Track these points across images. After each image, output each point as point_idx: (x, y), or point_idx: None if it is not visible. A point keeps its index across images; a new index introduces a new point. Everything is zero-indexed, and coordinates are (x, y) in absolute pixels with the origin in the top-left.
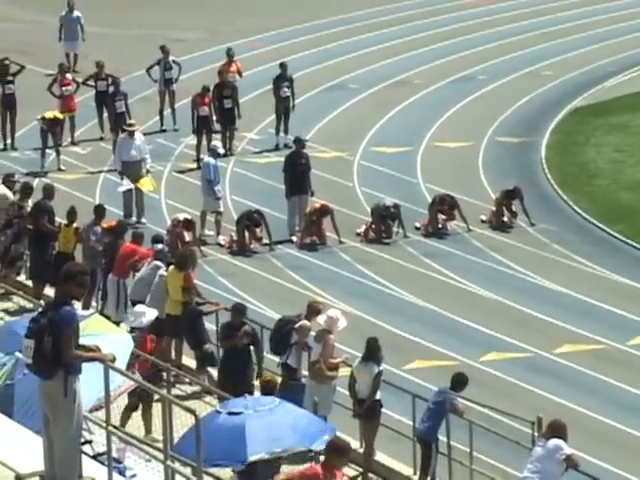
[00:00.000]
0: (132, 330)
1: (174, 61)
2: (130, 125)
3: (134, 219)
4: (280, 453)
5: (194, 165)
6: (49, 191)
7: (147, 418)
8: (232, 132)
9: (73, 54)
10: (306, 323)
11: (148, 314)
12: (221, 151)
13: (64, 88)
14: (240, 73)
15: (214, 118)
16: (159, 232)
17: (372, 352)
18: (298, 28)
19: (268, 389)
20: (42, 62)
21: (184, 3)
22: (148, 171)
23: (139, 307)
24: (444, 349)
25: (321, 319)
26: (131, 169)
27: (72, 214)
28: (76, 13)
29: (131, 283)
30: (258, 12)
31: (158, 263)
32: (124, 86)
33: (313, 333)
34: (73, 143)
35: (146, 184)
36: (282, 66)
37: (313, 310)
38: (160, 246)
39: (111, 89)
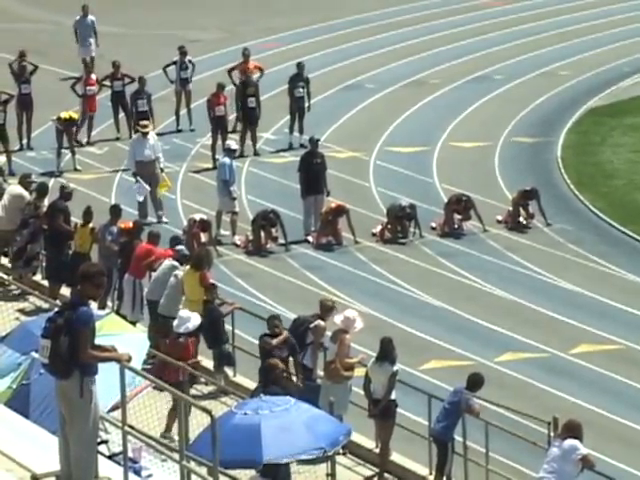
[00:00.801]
0: (179, 336)
1: (189, 61)
2: (144, 126)
3: (151, 219)
4: (296, 457)
5: (210, 165)
6: (67, 193)
7: (172, 416)
8: (254, 132)
9: (89, 58)
10: (321, 323)
11: (193, 319)
12: (235, 147)
13: (88, 88)
14: (261, 70)
15: (234, 116)
16: (176, 233)
17: (386, 352)
18: (314, 28)
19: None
20: (58, 62)
21: (201, 3)
22: (162, 169)
23: (184, 312)
24: (460, 349)
25: (338, 319)
26: (145, 169)
27: (88, 214)
28: (90, 17)
29: (147, 283)
30: (274, 12)
31: (174, 263)
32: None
33: (329, 333)
34: (89, 143)
35: (163, 187)
36: (299, 66)
37: (325, 307)
38: (180, 247)
39: (135, 87)
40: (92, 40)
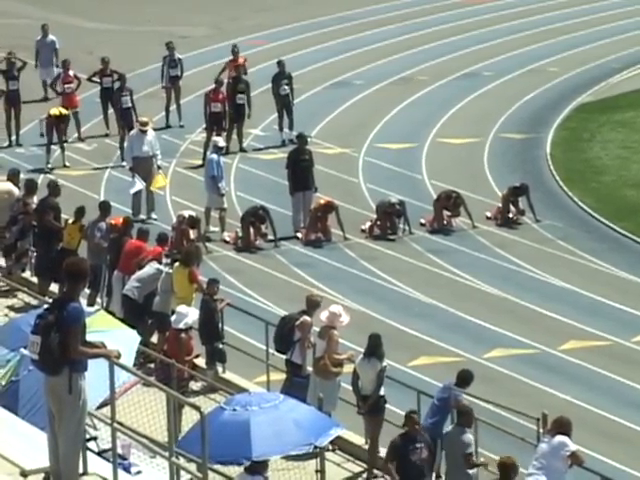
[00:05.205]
0: (180, 331)
1: (179, 59)
2: (143, 124)
3: (142, 216)
4: (286, 454)
5: (199, 162)
6: (55, 188)
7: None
8: (240, 129)
9: (50, 80)
10: (307, 319)
11: (191, 314)
12: (222, 144)
13: (66, 86)
14: (245, 68)
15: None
16: (165, 229)
17: (374, 348)
18: (303, 25)
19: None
20: None
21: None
22: (159, 167)
23: (182, 308)
24: (449, 345)
25: (323, 315)
26: (142, 165)
27: (79, 213)
28: (50, 37)
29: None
30: (263, 9)
31: (160, 267)
32: (128, 82)
33: (316, 328)
34: (80, 139)
35: (158, 182)
36: (280, 64)
37: (312, 303)
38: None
39: (117, 85)
40: (53, 61)
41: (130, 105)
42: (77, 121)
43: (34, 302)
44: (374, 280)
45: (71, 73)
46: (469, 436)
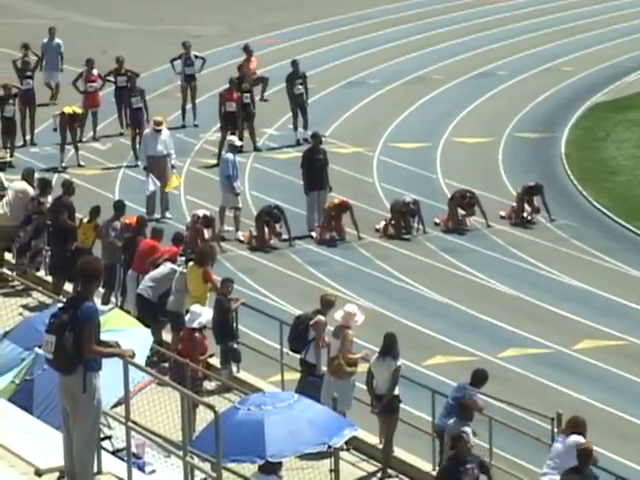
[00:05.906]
0: (194, 331)
1: (196, 55)
2: (157, 123)
3: (156, 216)
4: (299, 453)
5: (214, 161)
6: (69, 187)
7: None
8: (251, 128)
9: (54, 84)
10: (321, 318)
11: (205, 314)
12: (238, 144)
13: (89, 84)
14: (249, 69)
15: None
16: (180, 229)
17: (389, 347)
18: (317, 24)
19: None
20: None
21: None
22: (173, 166)
23: (196, 307)
24: (463, 345)
25: (338, 315)
26: (156, 164)
27: (94, 212)
28: (57, 41)
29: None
30: (274, 8)
31: (174, 267)
32: (143, 82)
33: (331, 328)
34: (95, 139)
35: (173, 183)
36: (294, 63)
37: (326, 302)
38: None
39: (128, 85)
40: (58, 65)
41: (140, 105)
42: (95, 120)
43: (48, 301)
44: (388, 279)
45: (95, 72)
46: (468, 428)
